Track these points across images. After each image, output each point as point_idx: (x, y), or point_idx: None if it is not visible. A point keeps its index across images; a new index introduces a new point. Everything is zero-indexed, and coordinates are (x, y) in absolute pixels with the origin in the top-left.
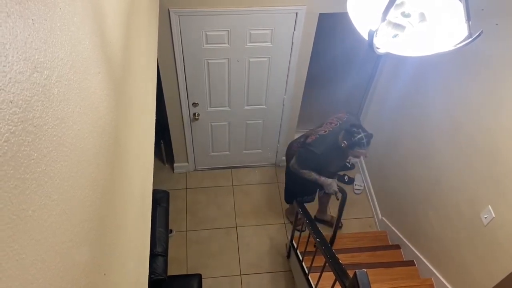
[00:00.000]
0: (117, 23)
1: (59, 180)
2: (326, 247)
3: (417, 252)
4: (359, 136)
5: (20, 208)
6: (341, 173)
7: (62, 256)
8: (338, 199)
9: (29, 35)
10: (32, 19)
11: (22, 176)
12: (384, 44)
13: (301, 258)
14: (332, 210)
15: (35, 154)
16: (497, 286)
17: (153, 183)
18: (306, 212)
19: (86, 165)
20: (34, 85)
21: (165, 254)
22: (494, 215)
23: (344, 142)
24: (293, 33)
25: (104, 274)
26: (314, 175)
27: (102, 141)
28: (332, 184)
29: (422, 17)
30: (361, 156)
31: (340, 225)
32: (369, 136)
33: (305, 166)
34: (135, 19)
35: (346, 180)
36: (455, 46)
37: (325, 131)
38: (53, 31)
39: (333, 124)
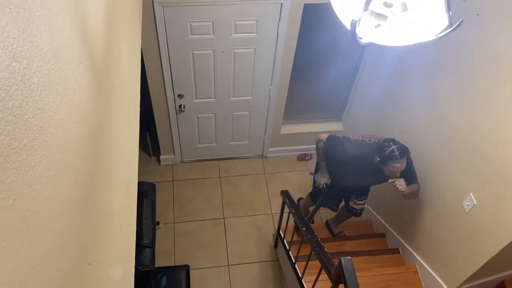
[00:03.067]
0: (99, 14)
1: (40, 169)
2: (312, 236)
3: (401, 240)
4: (390, 149)
5: (1, 197)
6: None
7: (45, 245)
8: (315, 190)
9: (6, 24)
10: (10, 8)
11: (2, 166)
12: (367, 34)
13: (288, 247)
14: (347, 231)
15: (15, 144)
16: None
17: (140, 175)
18: (292, 202)
19: (68, 155)
20: (13, 74)
21: (152, 246)
22: (475, 202)
23: (377, 159)
24: (278, 23)
25: (89, 264)
26: (323, 164)
27: (84, 131)
28: (325, 178)
29: (404, 7)
30: (396, 178)
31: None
32: (402, 149)
33: (327, 149)
34: (117, 10)
35: None
36: (436, 35)
37: (370, 140)
38: (32, 20)
39: (378, 139)
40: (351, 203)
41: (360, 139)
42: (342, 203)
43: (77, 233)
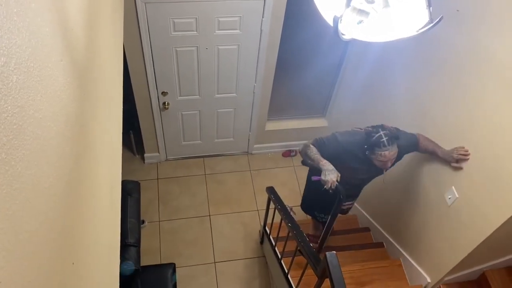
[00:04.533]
0: (79, 11)
1: (20, 168)
2: (298, 232)
3: (386, 234)
4: (377, 135)
5: None
6: None
7: (27, 245)
8: (331, 192)
9: None
10: None
11: None
12: (349, 30)
13: (274, 243)
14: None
15: None
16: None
17: (124, 174)
18: (278, 198)
19: (50, 153)
20: None
21: (137, 245)
22: (457, 196)
23: (366, 150)
24: (262, 20)
25: (73, 264)
26: (318, 155)
27: (66, 129)
28: (332, 172)
29: (385, 3)
30: (384, 168)
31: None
32: (391, 135)
33: (317, 145)
34: (98, 7)
35: None
36: (417, 31)
37: (361, 129)
38: (9, 17)
39: (372, 127)
40: None
41: (352, 129)
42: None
43: (59, 232)
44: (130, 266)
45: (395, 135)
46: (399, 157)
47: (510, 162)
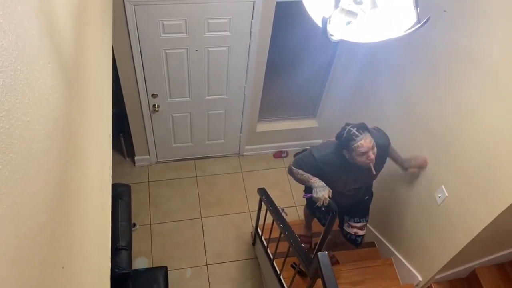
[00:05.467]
0: (67, 13)
1: (8, 172)
2: (290, 233)
3: (377, 234)
4: (345, 131)
5: None
6: None
7: (16, 250)
8: (323, 209)
9: None
10: None
11: None
12: (338, 31)
13: (266, 244)
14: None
15: None
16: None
17: (114, 177)
18: (269, 199)
19: (38, 157)
20: None
21: (128, 248)
22: (447, 194)
23: (345, 153)
24: (251, 22)
25: (63, 268)
26: (306, 175)
27: (54, 132)
28: (323, 188)
29: (373, 4)
30: (370, 161)
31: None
32: (358, 125)
33: (298, 166)
34: (86, 9)
35: None
36: (405, 32)
37: (331, 139)
38: None
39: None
40: (345, 226)
41: (328, 140)
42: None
43: (49, 236)
44: (144, 263)
45: (362, 125)
46: (382, 159)
47: (498, 160)
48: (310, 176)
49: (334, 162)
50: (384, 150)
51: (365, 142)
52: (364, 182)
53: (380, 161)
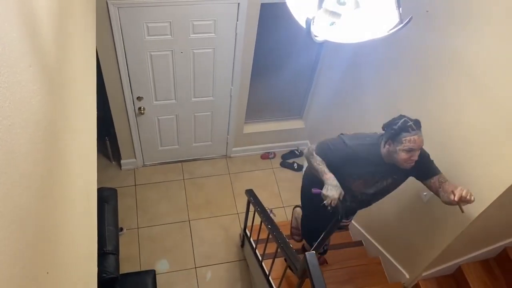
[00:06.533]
0: (49, 15)
1: None
2: (278, 233)
3: (364, 233)
4: (402, 119)
5: None
6: (291, 160)
7: None
8: (329, 210)
9: None
10: None
11: None
12: (322, 32)
13: (254, 246)
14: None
15: None
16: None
17: (101, 181)
18: (257, 200)
19: (20, 161)
20: None
21: (116, 252)
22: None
23: (387, 145)
24: (236, 23)
25: (47, 273)
26: (323, 166)
27: (37, 136)
28: (335, 188)
29: (356, 4)
30: (411, 162)
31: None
32: (414, 120)
33: (323, 153)
34: (69, 11)
35: (296, 167)
36: (388, 32)
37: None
38: None
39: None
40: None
41: (360, 132)
42: None
43: (32, 241)
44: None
45: (418, 121)
46: (405, 175)
47: (480, 157)
48: (326, 171)
49: (367, 154)
50: (418, 167)
51: (418, 138)
52: (385, 187)
53: (411, 170)
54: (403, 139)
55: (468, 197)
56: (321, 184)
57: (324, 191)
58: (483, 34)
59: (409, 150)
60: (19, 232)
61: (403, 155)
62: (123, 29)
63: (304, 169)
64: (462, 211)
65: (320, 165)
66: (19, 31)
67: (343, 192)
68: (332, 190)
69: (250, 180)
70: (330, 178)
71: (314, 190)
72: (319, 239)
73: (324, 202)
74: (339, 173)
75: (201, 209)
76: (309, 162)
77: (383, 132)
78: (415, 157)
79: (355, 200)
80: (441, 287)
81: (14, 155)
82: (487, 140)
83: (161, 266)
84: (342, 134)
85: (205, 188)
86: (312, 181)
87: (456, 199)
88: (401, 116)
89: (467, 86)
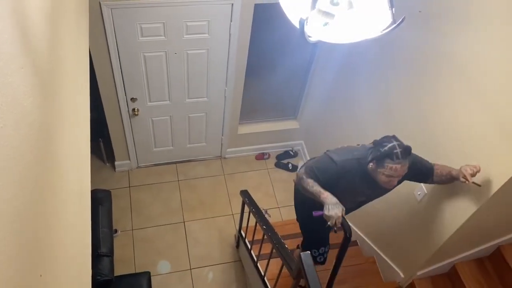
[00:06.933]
0: (41, 16)
1: None
2: (273, 234)
3: (359, 232)
4: (390, 144)
5: None
6: (285, 161)
7: None
8: (335, 232)
9: None
10: None
11: None
12: (315, 32)
13: (249, 246)
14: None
15: None
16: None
17: (94, 183)
18: (252, 201)
19: (13, 163)
20: None
21: (110, 255)
22: (426, 192)
23: (371, 163)
24: (230, 24)
25: (40, 276)
26: (317, 187)
27: (29, 137)
28: (336, 205)
29: (350, 5)
30: (389, 186)
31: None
32: (405, 147)
33: (312, 174)
34: (61, 12)
35: (290, 168)
36: (381, 32)
37: (358, 144)
38: None
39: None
40: None
41: (347, 146)
42: None
43: (25, 244)
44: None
45: (408, 149)
46: (401, 180)
47: (473, 156)
48: (322, 190)
49: (355, 169)
50: (410, 173)
51: (400, 168)
52: (374, 196)
53: (408, 178)
54: (386, 164)
55: (475, 171)
56: (318, 204)
57: (325, 212)
58: (477, 34)
59: (389, 176)
60: (11, 234)
61: (382, 178)
62: (116, 30)
63: (295, 178)
64: (479, 185)
65: (314, 187)
66: (10, 32)
67: (344, 208)
68: (333, 208)
69: (244, 181)
70: (328, 197)
71: (315, 213)
72: (334, 266)
73: (328, 223)
74: (332, 190)
75: (195, 210)
76: (302, 188)
77: (372, 146)
78: (394, 183)
79: (352, 203)
80: (436, 286)
81: (6, 157)
82: (481, 140)
83: (162, 268)
84: (328, 151)
85: (200, 189)
86: (304, 202)
87: (470, 181)
88: (392, 139)
89: (461, 86)
